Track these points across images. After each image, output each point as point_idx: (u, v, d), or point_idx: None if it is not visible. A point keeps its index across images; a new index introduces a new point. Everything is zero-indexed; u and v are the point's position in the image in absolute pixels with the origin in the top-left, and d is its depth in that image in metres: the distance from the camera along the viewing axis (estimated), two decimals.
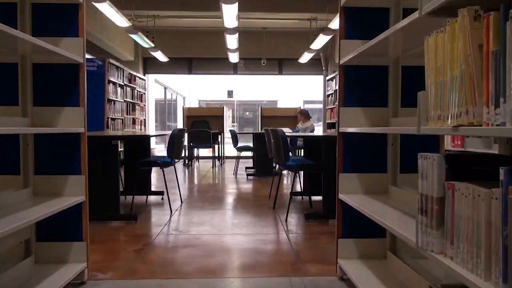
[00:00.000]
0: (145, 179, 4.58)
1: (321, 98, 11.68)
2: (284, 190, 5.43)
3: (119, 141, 3.73)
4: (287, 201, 4.59)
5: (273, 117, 9.72)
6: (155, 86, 13.31)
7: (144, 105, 10.19)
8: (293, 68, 11.10)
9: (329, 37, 7.95)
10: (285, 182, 6.25)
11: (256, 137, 7.15)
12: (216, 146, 9.19)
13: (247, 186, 5.95)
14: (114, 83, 8.02)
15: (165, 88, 15.04)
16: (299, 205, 4.39)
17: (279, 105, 18.92)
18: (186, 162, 8.85)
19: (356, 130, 2.03)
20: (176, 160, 4.24)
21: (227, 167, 8.82)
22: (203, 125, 9.21)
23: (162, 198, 4.68)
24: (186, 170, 8.15)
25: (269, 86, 20.62)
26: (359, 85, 2.19)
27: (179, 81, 17.85)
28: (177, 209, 4.12)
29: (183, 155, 8.90)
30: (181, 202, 4.48)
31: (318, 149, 4.51)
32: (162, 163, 3.98)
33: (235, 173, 7.22)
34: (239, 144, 7.31)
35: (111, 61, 7.83)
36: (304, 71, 11.28)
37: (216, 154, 9.13)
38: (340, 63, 2.18)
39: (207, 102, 20.39)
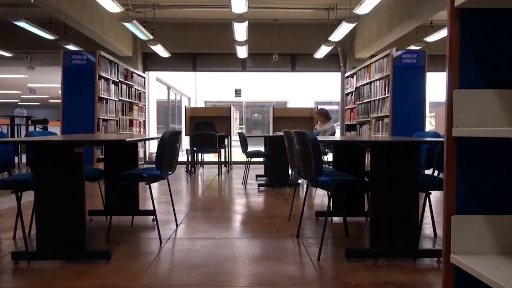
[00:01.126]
0: (131, 195, 3.59)
1: (336, 98, 10.66)
2: (305, 207, 4.40)
3: (84, 148, 2.72)
4: (312, 225, 3.56)
5: (285, 118, 8.70)
6: (157, 86, 12.36)
7: (144, 105, 9.23)
8: (307, 64, 10.07)
9: (352, 26, 6.91)
10: (300, 193, 5.23)
11: (269, 141, 6.13)
12: (223, 151, 8.19)
13: (260, 201, 4.93)
14: (106, 79, 7.05)
15: (168, 88, 14.08)
16: (329, 231, 3.36)
17: (290, 106, 17.90)
18: (189, 169, 7.84)
19: (494, 133, 1.01)
20: (169, 172, 3.24)
21: (235, 174, 7.81)
22: (208, 127, 8.22)
23: (153, 220, 3.68)
24: (188, 179, 7.15)
25: (279, 86, 19.60)
26: (493, 47, 1.17)
27: (184, 80, 16.92)
28: (169, 238, 3.11)
29: (186, 161, 7.91)
30: (177, 226, 3.47)
31: (353, 157, 3.47)
32: (149, 177, 2.97)
33: (245, 182, 6.21)
34: (249, 149, 6.30)
35: (103, 54, 6.86)
36: (319, 68, 10.24)
37: (223, 159, 8.12)
38: (456, 5, 1.15)
39: (213, 103, 19.44)
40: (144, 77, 9.28)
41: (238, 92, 10.86)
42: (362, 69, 8.16)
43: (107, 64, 7.06)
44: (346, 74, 9.38)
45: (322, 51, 8.75)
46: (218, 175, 7.49)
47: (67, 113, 6.55)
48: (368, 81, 7.73)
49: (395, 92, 6.51)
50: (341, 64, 9.72)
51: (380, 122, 7.10)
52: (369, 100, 7.63)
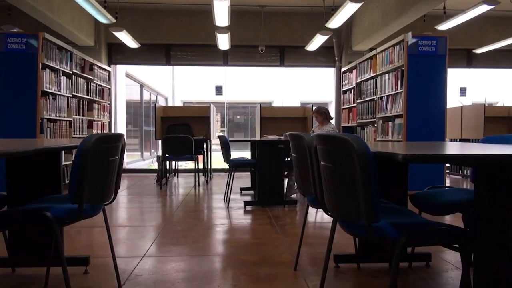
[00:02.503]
0: (46, 235, 2.28)
1: (327, 97, 9.51)
2: (315, 243, 3.15)
3: None
4: (334, 279, 2.31)
5: (274, 119, 7.46)
6: (128, 84, 10.96)
7: (108, 104, 7.84)
8: (298, 58, 8.84)
9: (357, 6, 5.71)
10: (298, 215, 3.98)
11: (257, 147, 4.87)
12: (201, 157, 6.88)
13: (247, 229, 3.67)
14: (54, 70, 5.67)
15: (141, 86, 12.66)
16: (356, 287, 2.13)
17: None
18: (159, 180, 6.50)
19: None
20: (102, 206, 1.95)
21: (215, 185, 6.52)
22: (183, 130, 6.90)
23: (86, 271, 2.38)
24: (158, 192, 5.83)
25: (263, 86, 18.37)
26: None
27: (160, 78, 15.52)
28: None
29: (156, 169, 6.55)
30: (119, 285, 2.18)
31: (386, 174, 2.26)
32: (57, 216, 1.67)
33: (227, 198, 4.94)
34: (233, 156, 5.04)
35: (48, 37, 5.48)
36: (311, 62, 9.03)
37: (201, 166, 6.81)
38: None
39: (193, 104, 18.06)
40: (108, 71, 7.89)
41: (219, 90, 9.53)
42: (364, 62, 7.00)
43: (55, 51, 5.67)
44: (343, 69, 8.21)
45: (316, 43, 7.56)
46: (195, 187, 6.18)
47: None
48: (372, 75, 6.56)
49: (410, 86, 5.35)
50: (336, 58, 8.55)
51: (389, 123, 5.93)
52: (374, 97, 6.46)
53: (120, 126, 9.33)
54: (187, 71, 17.43)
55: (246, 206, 4.59)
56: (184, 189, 6.21)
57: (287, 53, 8.78)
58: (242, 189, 5.81)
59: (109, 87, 7.93)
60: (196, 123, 7.29)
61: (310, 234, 3.33)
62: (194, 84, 17.61)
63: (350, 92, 7.78)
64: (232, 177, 4.87)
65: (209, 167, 7.30)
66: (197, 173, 6.39)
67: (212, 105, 7.45)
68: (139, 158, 12.33)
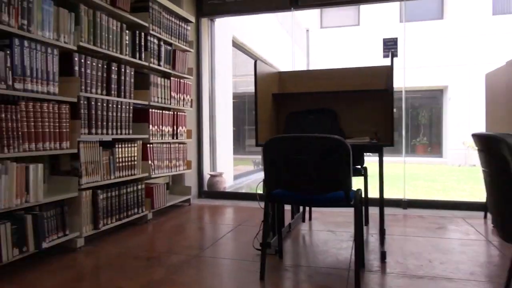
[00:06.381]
0: None
1: None
2: None
3: None
4: None
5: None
6: (237, 58, 7.60)
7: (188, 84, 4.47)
8: None
9: None
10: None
11: None
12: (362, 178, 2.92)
13: None
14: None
15: (255, 62, 9.15)
16: None
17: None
18: (264, 241, 2.77)
19: None
20: None
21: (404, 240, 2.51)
22: (324, 124, 3.05)
23: None
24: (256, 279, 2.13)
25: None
26: None
27: (285, 50, 11.13)
28: None
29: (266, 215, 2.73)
30: None
31: None
32: None
33: None
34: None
35: None
36: None
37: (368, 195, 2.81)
38: None
39: None
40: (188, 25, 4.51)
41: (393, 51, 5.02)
42: None
43: None
44: None
45: None
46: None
47: None
48: None
49: None
50: None
51: None
52: None
53: (222, 122, 5.97)
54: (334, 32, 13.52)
55: None
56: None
57: None
58: None
59: (191, 50, 4.54)
60: (347, 110, 3.34)
61: None
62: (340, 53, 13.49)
63: None
64: None
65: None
66: (363, 215, 2.43)
67: None
68: (255, 168, 8.91)
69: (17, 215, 2.37)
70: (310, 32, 14.79)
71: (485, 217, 3.71)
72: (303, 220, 3.55)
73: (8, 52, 2.31)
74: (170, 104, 4.04)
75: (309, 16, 14.72)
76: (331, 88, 3.18)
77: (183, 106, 4.31)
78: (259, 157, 9.33)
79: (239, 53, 7.67)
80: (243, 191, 6.36)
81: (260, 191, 2.64)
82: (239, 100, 8.21)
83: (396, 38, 4.29)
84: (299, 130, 3.03)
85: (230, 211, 4.18)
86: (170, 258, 2.61)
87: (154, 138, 3.76)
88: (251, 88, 8.90)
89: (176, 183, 4.60)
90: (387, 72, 2.92)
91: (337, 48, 14.23)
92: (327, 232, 3.25)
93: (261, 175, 7.97)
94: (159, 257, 2.65)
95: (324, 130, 2.89)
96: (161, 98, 3.88)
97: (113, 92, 3.20)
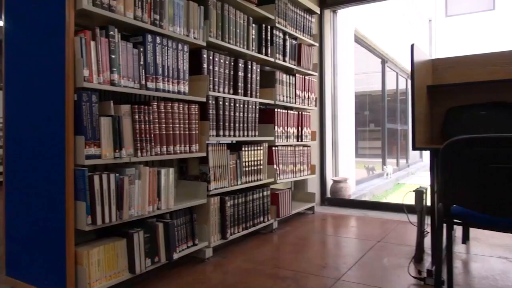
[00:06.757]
0: None
1: None
2: None
3: None
4: None
5: None
6: (360, 56, 7.06)
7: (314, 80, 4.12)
8: None
9: None
10: None
11: None
12: None
13: None
14: None
15: (383, 61, 8.50)
16: None
17: None
18: (417, 261, 2.26)
19: None
20: None
21: None
22: (504, 120, 2.41)
23: None
24: None
25: None
26: None
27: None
28: None
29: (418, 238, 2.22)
30: None
31: None
32: None
33: None
34: None
35: None
36: None
37: None
38: None
39: None
40: (312, 19, 4.15)
41: None
42: None
43: None
44: None
45: None
46: None
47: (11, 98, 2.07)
48: None
49: None
50: None
51: None
52: None
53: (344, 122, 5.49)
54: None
55: None
56: None
57: None
58: None
59: (316, 44, 4.17)
60: None
61: None
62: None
63: None
64: None
65: None
66: None
67: None
68: (393, 169, 8.21)
69: (149, 223, 2.23)
70: (433, 22, 13.45)
71: None
72: (463, 242, 2.91)
73: (141, 49, 2.18)
74: (295, 103, 3.71)
75: (433, 4, 13.39)
76: (509, 76, 2.52)
77: (308, 105, 3.95)
78: (371, 161, 8.66)
79: (357, 48, 7.11)
80: (366, 198, 5.80)
81: (407, 201, 2.14)
82: (356, 100, 7.63)
83: None
84: (462, 130, 2.44)
85: (361, 223, 3.70)
86: (308, 281, 2.25)
87: (279, 140, 3.46)
88: (370, 87, 8.15)
89: (298, 188, 4.26)
90: None
91: (465, 37, 12.67)
92: (499, 259, 2.59)
93: (382, 182, 7.26)
94: (295, 277, 2.30)
95: (502, 130, 2.27)
96: (286, 96, 3.57)
97: (240, 91, 2.97)
